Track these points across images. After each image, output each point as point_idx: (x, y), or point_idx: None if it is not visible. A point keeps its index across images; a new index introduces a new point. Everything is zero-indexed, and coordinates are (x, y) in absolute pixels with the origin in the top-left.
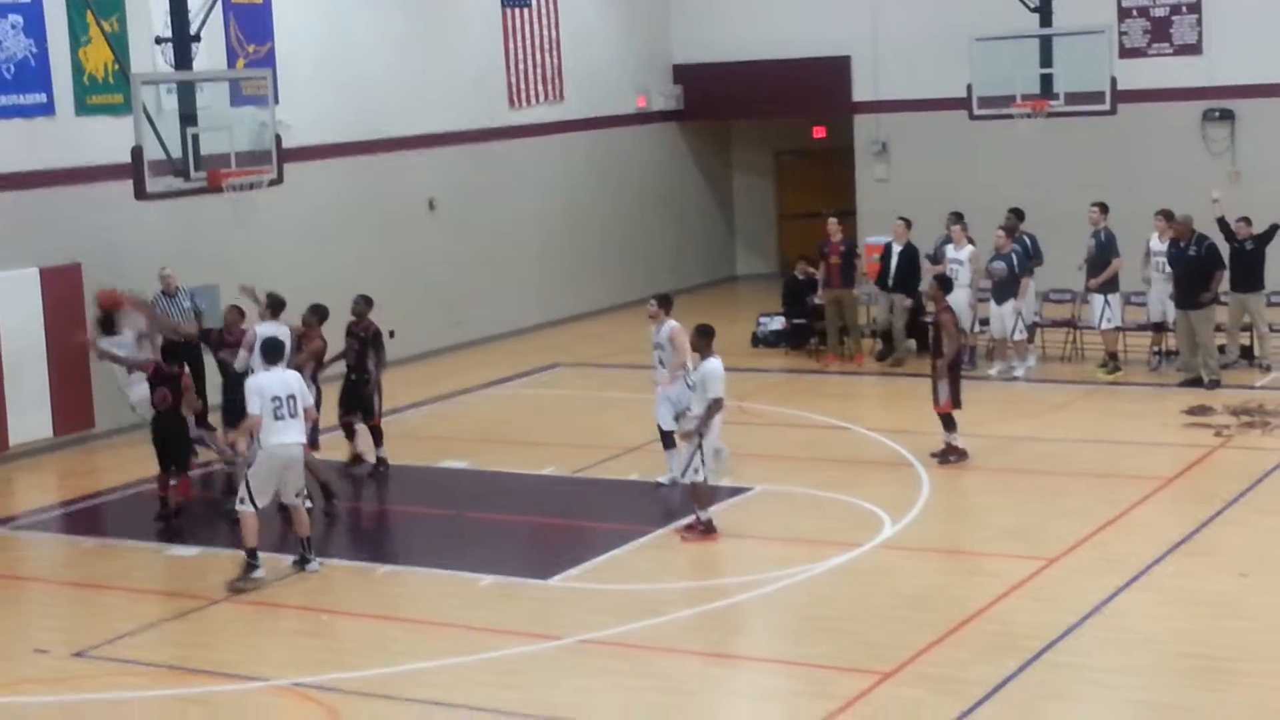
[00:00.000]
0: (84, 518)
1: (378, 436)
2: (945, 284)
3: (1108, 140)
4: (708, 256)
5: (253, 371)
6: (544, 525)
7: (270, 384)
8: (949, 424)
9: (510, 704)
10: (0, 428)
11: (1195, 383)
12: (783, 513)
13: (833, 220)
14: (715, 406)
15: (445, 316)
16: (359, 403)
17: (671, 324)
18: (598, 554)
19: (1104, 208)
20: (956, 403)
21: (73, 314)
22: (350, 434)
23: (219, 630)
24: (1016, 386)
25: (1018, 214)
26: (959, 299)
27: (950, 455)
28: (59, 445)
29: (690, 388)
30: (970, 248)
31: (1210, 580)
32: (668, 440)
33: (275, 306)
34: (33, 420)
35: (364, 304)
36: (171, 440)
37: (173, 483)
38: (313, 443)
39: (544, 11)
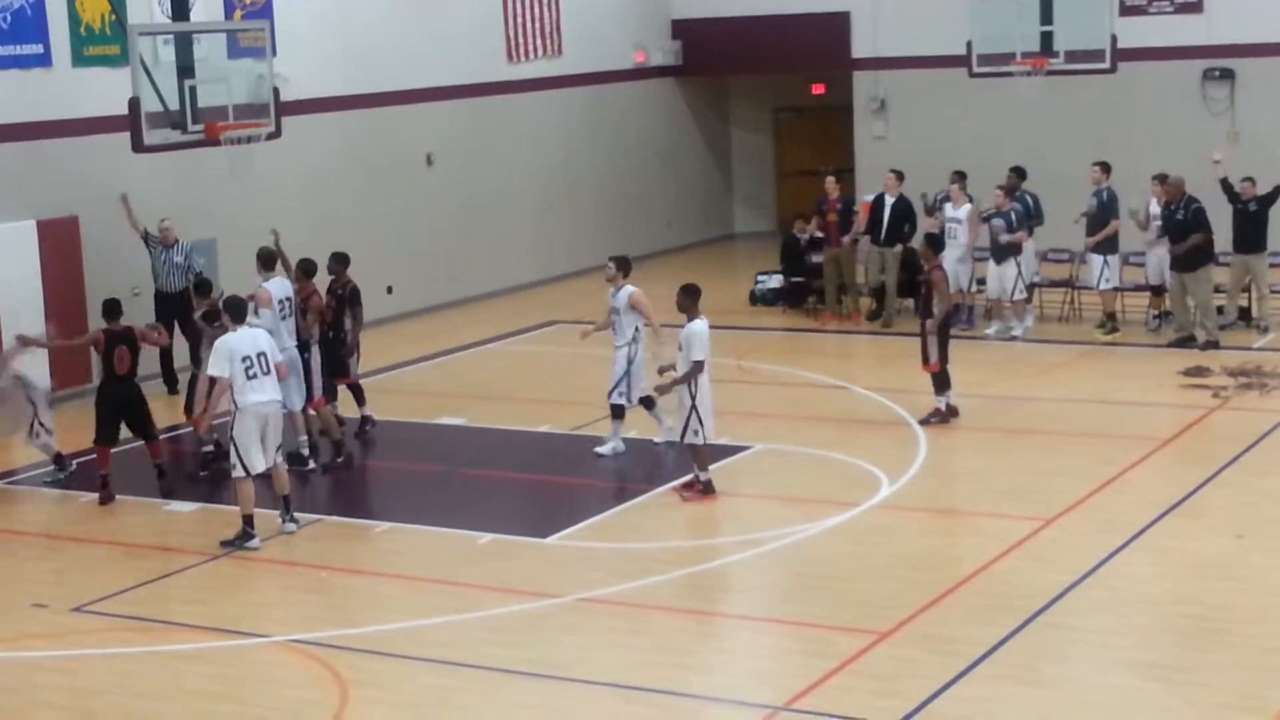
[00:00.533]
0: (82, 473)
1: (358, 395)
2: (935, 243)
3: (1107, 99)
4: (706, 213)
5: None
6: (541, 483)
7: (240, 344)
8: (941, 383)
9: (508, 662)
10: None
11: (1187, 341)
12: (780, 472)
13: (830, 178)
14: (695, 369)
15: (443, 272)
16: (334, 362)
17: (630, 289)
18: (595, 512)
19: (1106, 167)
20: (943, 360)
21: (71, 266)
22: (333, 394)
23: (217, 587)
24: (1014, 346)
25: (1019, 173)
26: (955, 258)
27: (932, 417)
28: (57, 400)
29: (631, 360)
30: (969, 206)
31: (1206, 541)
32: (650, 402)
33: (267, 261)
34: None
35: (339, 262)
36: (133, 406)
37: (106, 451)
38: (309, 397)
39: None
